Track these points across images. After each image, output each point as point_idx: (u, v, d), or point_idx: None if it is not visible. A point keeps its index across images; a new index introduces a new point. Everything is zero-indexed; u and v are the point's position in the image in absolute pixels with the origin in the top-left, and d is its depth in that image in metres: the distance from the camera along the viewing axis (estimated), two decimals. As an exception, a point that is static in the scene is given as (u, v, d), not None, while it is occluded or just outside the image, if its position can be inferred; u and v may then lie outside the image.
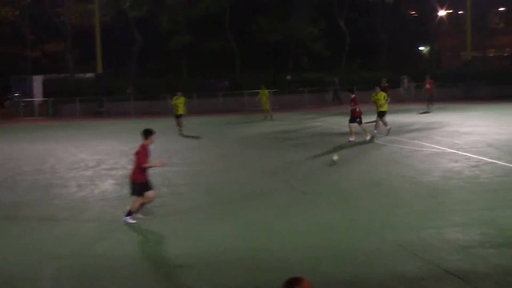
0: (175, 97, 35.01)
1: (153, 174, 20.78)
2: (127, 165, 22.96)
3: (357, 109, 27.92)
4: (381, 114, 29.45)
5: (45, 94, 53.79)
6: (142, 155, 13.89)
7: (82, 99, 52.34)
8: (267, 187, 17.81)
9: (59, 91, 53.59)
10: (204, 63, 66.69)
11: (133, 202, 14.30)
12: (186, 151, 26.70)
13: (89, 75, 58.91)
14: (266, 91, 42.55)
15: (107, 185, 19.31)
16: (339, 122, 35.49)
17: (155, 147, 28.25)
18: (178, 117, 34.48)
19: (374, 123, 29.39)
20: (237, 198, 16.88)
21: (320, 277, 10.39)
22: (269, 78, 58.96)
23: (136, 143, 29.42)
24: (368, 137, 27.74)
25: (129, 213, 14.15)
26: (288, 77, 60.58)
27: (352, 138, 27.76)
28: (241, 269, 10.86)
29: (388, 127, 29.69)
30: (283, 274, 10.67)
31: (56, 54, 65.11)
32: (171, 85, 53.30)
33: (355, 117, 27.97)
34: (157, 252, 12.07)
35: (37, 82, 54.49)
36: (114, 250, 12.23)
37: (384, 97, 29.34)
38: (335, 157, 17.39)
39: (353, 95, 28.37)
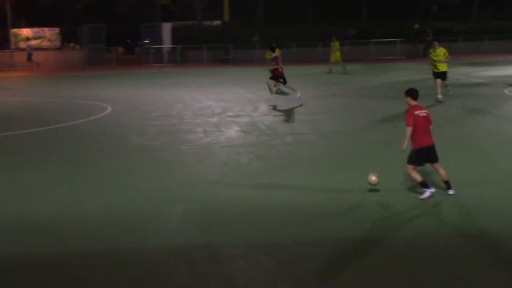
0: (268, 51, 31.31)
1: (277, 122, 20.97)
2: (252, 113, 23.22)
3: (280, 69, 25.75)
4: (441, 75, 24.57)
5: (174, 41, 54.89)
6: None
7: (209, 46, 53.09)
8: (390, 137, 17.52)
9: (186, 38, 54.54)
10: (329, 11, 65.93)
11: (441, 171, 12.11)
12: (309, 100, 26.60)
13: (216, 22, 59.58)
14: (337, 43, 40.56)
15: (232, 132, 19.61)
16: (466, 72, 34.38)
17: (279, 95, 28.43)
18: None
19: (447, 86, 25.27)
20: (360, 147, 16.74)
21: (448, 229, 10.22)
22: (395, 27, 57.70)
23: (261, 91, 29.77)
24: (298, 94, 25.80)
25: (448, 183, 11.99)
26: (416, 26, 58.96)
27: (270, 96, 25.98)
28: (362, 218, 10.83)
29: (441, 95, 24.60)
30: (402, 225, 10.58)
31: (184, 1, 66.07)
32: (297, 33, 53.21)
33: (276, 76, 25.86)
34: (283, 200, 12.15)
35: (166, 29, 55.64)
36: (238, 197, 12.43)
37: (444, 53, 24.35)
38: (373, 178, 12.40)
39: (274, 54, 26.28)
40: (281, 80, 26.00)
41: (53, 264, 9.29)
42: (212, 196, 12.47)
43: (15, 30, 54.24)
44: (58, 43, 54.93)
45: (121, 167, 15.29)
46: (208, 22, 61.42)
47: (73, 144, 18.36)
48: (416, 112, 11.92)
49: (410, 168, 11.88)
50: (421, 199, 11.72)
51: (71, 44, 57.23)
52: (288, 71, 37.60)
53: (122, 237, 10.32)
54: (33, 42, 52.73)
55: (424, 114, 11.95)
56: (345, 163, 15.00)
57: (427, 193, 11.72)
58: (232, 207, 11.68)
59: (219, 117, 22.42)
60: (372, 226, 10.47)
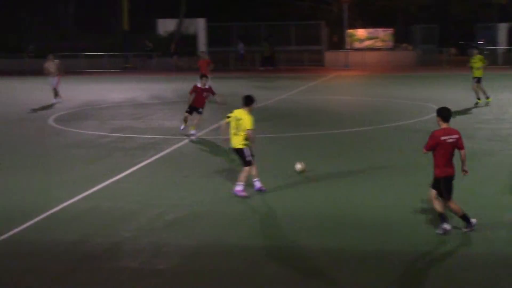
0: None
1: None
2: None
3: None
4: None
5: (510, 42, 52.79)
6: None
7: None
8: None
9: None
10: None
11: None
12: None
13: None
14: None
15: None
16: None
17: None
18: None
19: None
20: None
21: None
22: None
23: None
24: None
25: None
26: None
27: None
28: None
29: None
30: None
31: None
32: None
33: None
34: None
35: (502, 30, 53.73)
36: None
37: None
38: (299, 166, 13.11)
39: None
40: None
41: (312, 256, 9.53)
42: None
43: (350, 30, 56.14)
44: (390, 44, 55.77)
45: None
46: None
47: (393, 145, 18.53)
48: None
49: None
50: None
51: (403, 45, 57.73)
52: None
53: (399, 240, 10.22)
54: (367, 43, 54.31)
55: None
56: None
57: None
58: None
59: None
60: None
